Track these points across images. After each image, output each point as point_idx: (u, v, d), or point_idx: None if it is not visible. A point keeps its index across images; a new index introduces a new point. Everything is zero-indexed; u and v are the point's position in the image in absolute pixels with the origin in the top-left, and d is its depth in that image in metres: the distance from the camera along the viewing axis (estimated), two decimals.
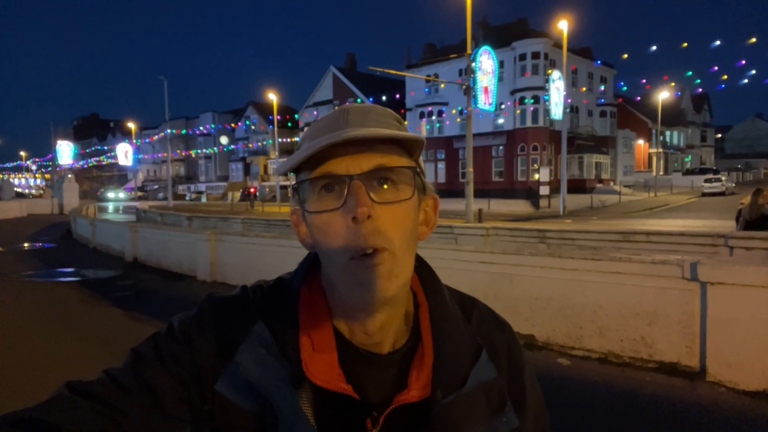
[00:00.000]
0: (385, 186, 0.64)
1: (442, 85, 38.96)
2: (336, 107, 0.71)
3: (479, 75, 19.07)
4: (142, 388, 0.64)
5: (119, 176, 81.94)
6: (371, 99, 42.11)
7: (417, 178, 0.67)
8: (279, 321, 0.69)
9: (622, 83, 40.12)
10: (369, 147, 0.63)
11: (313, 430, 0.64)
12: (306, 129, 0.71)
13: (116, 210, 36.30)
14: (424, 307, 0.74)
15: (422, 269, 0.76)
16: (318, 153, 0.61)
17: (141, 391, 0.64)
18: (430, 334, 0.71)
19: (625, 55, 51.83)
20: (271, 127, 47.44)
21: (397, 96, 38.50)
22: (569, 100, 33.42)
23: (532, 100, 36.21)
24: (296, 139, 51.73)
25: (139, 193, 57.19)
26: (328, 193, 0.63)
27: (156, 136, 60.32)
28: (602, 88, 44.65)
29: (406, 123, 0.75)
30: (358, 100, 45.08)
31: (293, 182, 0.69)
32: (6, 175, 68.24)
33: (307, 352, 0.67)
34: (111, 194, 57.63)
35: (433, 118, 41.26)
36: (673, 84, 36.03)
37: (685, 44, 29.80)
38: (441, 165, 41.07)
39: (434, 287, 0.75)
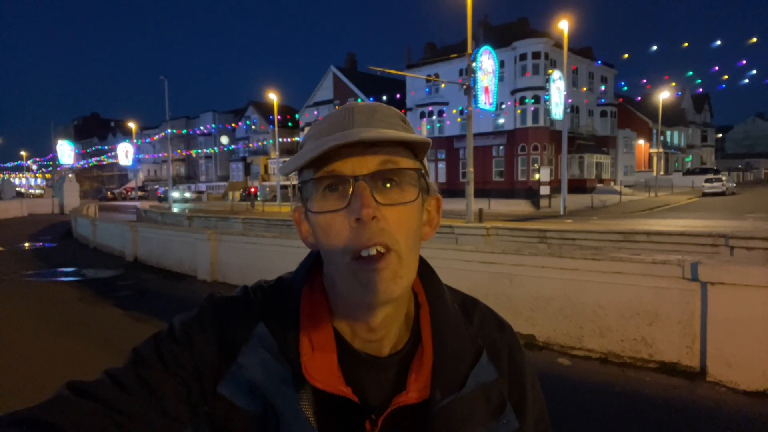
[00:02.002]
0: (390, 187, 0.63)
1: (443, 85, 38.94)
2: (336, 107, 0.70)
3: (480, 75, 19.07)
4: (143, 388, 0.64)
5: (120, 176, 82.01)
6: (372, 99, 42.09)
7: (422, 180, 0.66)
8: (280, 322, 0.69)
9: (622, 83, 40.14)
10: (375, 148, 0.62)
11: (314, 431, 0.64)
12: (309, 127, 0.71)
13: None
14: (425, 308, 0.73)
15: (424, 270, 0.75)
16: (323, 152, 0.61)
17: (142, 392, 0.64)
18: (430, 335, 0.71)
19: (626, 55, 51.67)
20: (271, 126, 47.42)
21: (398, 96, 38.46)
22: (570, 100, 33.41)
23: (532, 100, 36.19)
24: (297, 138, 51.77)
25: (140, 193, 57.07)
26: (332, 193, 0.63)
27: (156, 136, 60.32)
28: (603, 87, 44.63)
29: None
30: (359, 100, 45.10)
31: (296, 181, 0.68)
32: (7, 175, 68.28)
33: (307, 354, 0.66)
34: (176, 194, 45.17)
35: (434, 117, 41.26)
36: (673, 84, 36.01)
37: (686, 44, 29.73)
38: (441, 165, 41.07)
39: (435, 288, 0.75)
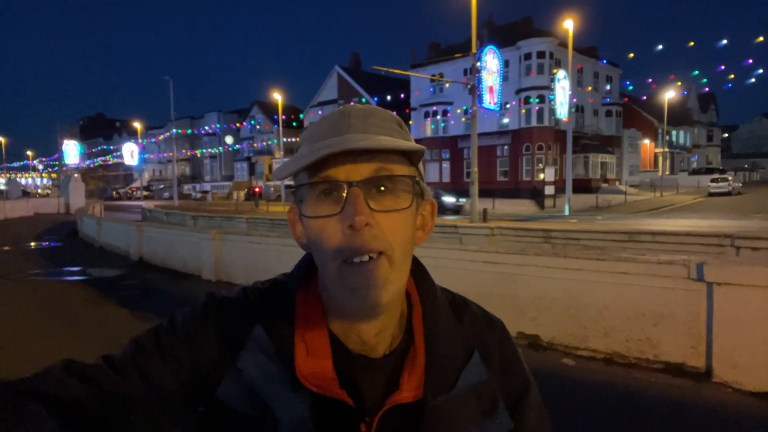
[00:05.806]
0: (384, 193, 0.63)
1: (447, 85, 38.89)
2: (340, 107, 0.71)
3: (484, 74, 19.04)
4: (137, 375, 0.64)
5: (125, 176, 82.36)
6: (376, 98, 42.06)
7: (416, 186, 0.66)
8: (276, 326, 0.69)
9: (627, 82, 39.81)
10: (369, 154, 0.62)
11: None
12: (305, 129, 0.71)
13: None
14: (417, 309, 0.73)
15: (417, 270, 0.75)
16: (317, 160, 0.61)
17: (136, 379, 0.64)
18: (422, 335, 0.71)
19: (631, 55, 51.40)
20: (275, 126, 47.55)
21: (402, 95, 38.41)
22: (575, 100, 33.28)
23: (537, 100, 36.09)
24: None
25: (145, 193, 57.31)
26: (326, 197, 0.63)
27: (161, 136, 60.60)
28: (608, 87, 44.43)
29: (411, 123, 0.74)
30: (363, 100, 45.09)
31: (292, 181, 0.69)
32: (13, 175, 68.66)
33: (302, 357, 0.67)
34: (450, 198, 38.86)
35: (438, 117, 41.19)
36: (679, 83, 35.94)
37: (692, 43, 29.61)
38: (446, 165, 40.99)
39: (428, 288, 0.75)
